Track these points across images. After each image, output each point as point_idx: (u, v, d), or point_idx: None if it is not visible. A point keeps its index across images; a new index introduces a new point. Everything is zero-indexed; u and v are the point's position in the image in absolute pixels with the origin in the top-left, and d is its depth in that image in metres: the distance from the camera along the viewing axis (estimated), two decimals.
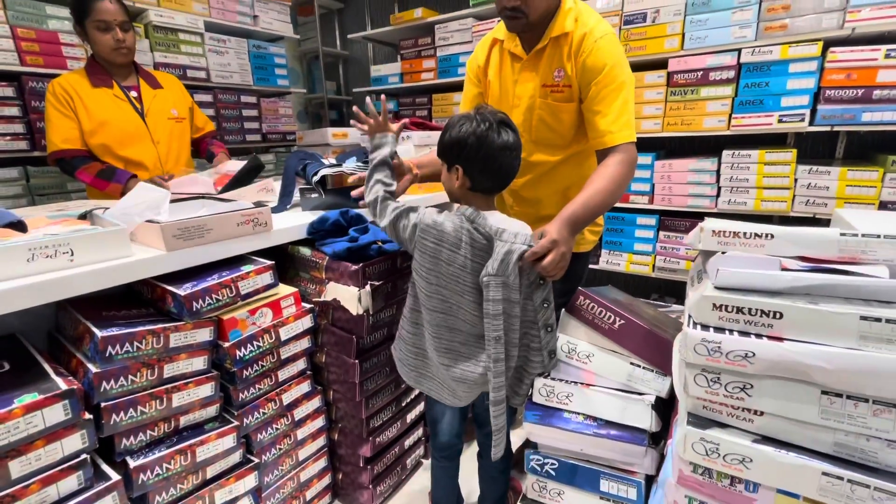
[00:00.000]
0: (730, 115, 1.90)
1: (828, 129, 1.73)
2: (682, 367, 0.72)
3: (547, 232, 0.93)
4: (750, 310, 0.64)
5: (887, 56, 1.59)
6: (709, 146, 2.13)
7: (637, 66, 2.09)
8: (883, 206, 1.70)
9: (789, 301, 0.63)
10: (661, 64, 2.01)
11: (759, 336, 0.64)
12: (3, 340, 0.96)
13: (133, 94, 1.62)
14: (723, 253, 0.74)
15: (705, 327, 0.68)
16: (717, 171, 1.98)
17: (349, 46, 3.61)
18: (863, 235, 0.66)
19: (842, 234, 0.67)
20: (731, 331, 0.66)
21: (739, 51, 1.82)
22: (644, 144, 2.25)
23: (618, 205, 2.21)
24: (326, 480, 1.37)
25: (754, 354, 0.63)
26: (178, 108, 1.73)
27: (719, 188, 1.99)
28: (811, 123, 1.77)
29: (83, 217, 1.13)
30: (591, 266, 2.37)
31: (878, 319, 0.57)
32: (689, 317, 0.72)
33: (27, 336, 0.99)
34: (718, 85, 1.90)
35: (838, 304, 0.61)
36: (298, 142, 2.43)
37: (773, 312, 0.63)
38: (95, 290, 0.88)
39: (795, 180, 1.84)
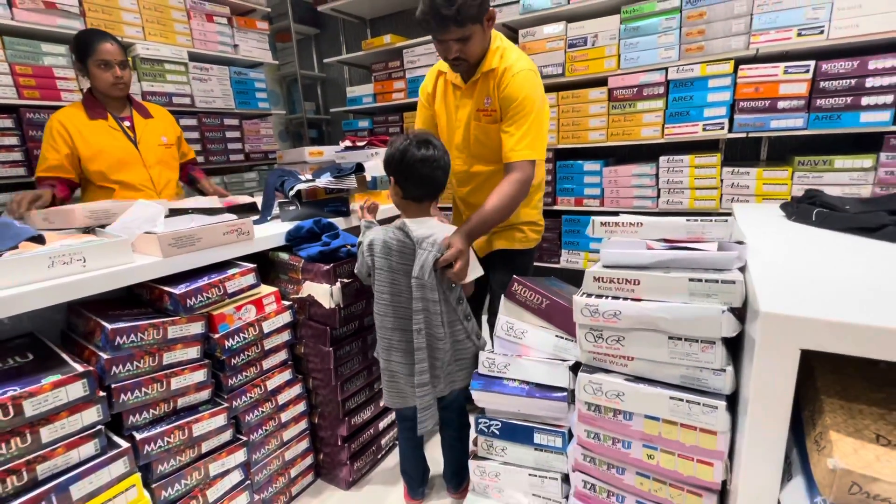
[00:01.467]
0: (663, 125, 2.15)
1: (743, 135, 1.98)
2: (577, 329, 0.92)
3: (453, 243, 1.18)
4: (618, 279, 0.85)
5: (786, 72, 1.85)
6: (648, 153, 2.37)
7: (582, 84, 2.34)
8: (793, 199, 1.94)
9: (647, 272, 0.84)
10: (602, 81, 2.26)
11: (624, 299, 0.84)
12: (24, 337, 1.12)
13: (126, 123, 1.80)
14: (608, 238, 0.95)
15: (589, 295, 0.88)
16: (657, 175, 2.22)
17: (326, 69, 3.83)
18: (700, 220, 0.87)
19: (687, 220, 0.88)
20: (605, 296, 0.86)
21: (666, 69, 2.07)
22: (592, 153, 2.50)
23: (573, 208, 2.46)
24: (309, 460, 1.53)
25: (621, 312, 0.83)
26: (168, 136, 1.91)
27: (659, 190, 2.22)
28: (730, 131, 2.02)
29: (86, 231, 1.31)
30: (553, 265, 2.58)
31: (700, 280, 0.78)
32: (581, 289, 0.92)
33: (43, 335, 1.16)
34: (651, 99, 2.14)
35: (679, 272, 0.81)
36: (279, 160, 2.61)
37: (633, 280, 0.83)
38: (103, 292, 1.06)
39: (721, 181, 2.08)
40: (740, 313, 0.78)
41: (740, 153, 2.38)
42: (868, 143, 1.90)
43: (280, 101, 3.78)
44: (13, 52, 2.00)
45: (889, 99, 1.70)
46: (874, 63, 1.69)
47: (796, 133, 1.89)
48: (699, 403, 0.78)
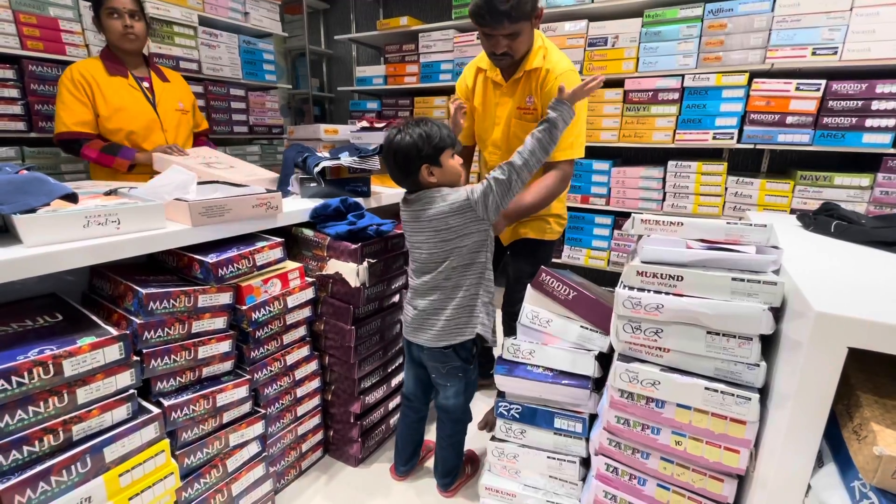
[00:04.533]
0: (674, 131, 2.21)
1: (751, 146, 2.06)
2: (615, 320, 0.96)
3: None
4: (661, 275, 0.89)
5: (797, 88, 1.92)
6: (657, 156, 2.43)
7: None
8: (793, 211, 2.03)
9: (689, 269, 0.88)
10: (618, 83, 2.30)
11: (666, 293, 0.88)
12: (47, 298, 1.09)
13: (145, 84, 1.74)
14: (648, 236, 0.99)
15: (631, 288, 0.92)
16: (664, 179, 2.28)
17: (333, 46, 3.76)
18: (740, 223, 0.92)
19: (727, 223, 0.93)
20: (648, 290, 0.90)
21: (683, 76, 2.13)
22: (602, 153, 2.55)
23: (578, 205, 2.51)
24: (319, 436, 1.54)
25: (663, 306, 0.87)
26: (184, 102, 1.86)
27: (665, 193, 2.29)
28: (738, 141, 2.09)
29: (108, 193, 1.27)
30: (555, 260, 2.64)
31: (743, 280, 0.83)
32: (622, 282, 0.96)
33: (64, 295, 1.13)
34: (666, 104, 2.20)
35: (720, 271, 0.86)
36: (289, 136, 2.56)
37: (676, 276, 0.88)
38: (136, 255, 1.04)
39: (726, 189, 2.16)
40: (776, 313, 0.83)
41: (742, 163, 2.47)
42: (864, 162, 2.00)
43: (284, 74, 3.69)
44: (17, 0, 1.90)
45: (892, 122, 1.79)
46: (881, 87, 1.78)
47: (801, 148, 1.97)
48: (733, 395, 0.83)
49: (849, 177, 1.92)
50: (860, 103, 1.83)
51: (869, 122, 1.83)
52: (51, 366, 0.84)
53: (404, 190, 1.27)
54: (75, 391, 0.88)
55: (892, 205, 1.85)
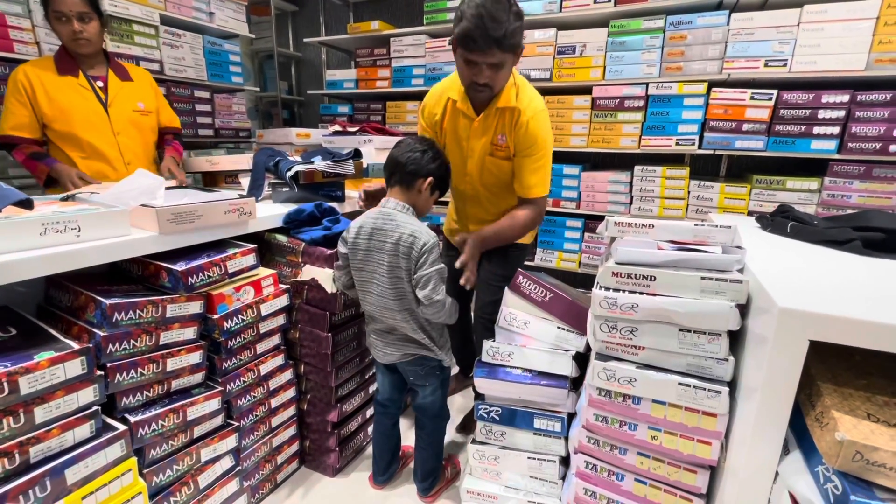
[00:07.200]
0: (640, 137, 2.29)
1: (711, 152, 2.16)
2: (592, 320, 0.99)
3: (466, 250, 1.33)
4: (635, 275, 0.92)
5: (752, 98, 2.04)
6: (624, 161, 2.52)
7: (568, 91, 2.44)
8: (750, 213, 2.15)
9: (661, 269, 0.91)
10: (587, 90, 2.36)
11: (641, 293, 0.91)
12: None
13: (99, 84, 1.65)
14: (621, 237, 1.02)
15: (607, 289, 0.95)
16: (630, 183, 2.36)
17: (302, 48, 3.70)
18: (707, 225, 0.96)
19: (695, 225, 0.97)
20: (623, 290, 0.93)
21: (647, 84, 2.21)
22: (572, 158, 2.61)
23: (550, 209, 2.56)
24: (295, 447, 1.50)
25: (637, 305, 0.91)
26: (146, 102, 1.78)
27: (632, 197, 2.37)
28: (699, 147, 2.19)
29: (65, 200, 1.20)
30: (528, 263, 2.68)
31: (711, 279, 0.87)
32: (597, 282, 0.98)
33: (17, 308, 1.05)
34: (631, 111, 2.28)
35: (690, 271, 0.90)
36: (258, 139, 2.50)
37: (650, 276, 0.91)
38: (99, 264, 0.99)
39: (689, 192, 2.26)
40: (741, 309, 0.87)
41: (702, 168, 2.59)
42: (813, 167, 2.14)
43: (251, 76, 3.60)
44: None
45: (836, 130, 1.92)
46: (826, 97, 1.91)
47: (756, 154, 2.09)
48: (704, 389, 0.87)
49: (800, 181, 2.05)
50: (808, 112, 1.95)
51: (816, 130, 1.96)
52: (5, 384, 0.78)
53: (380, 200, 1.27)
54: (32, 410, 0.83)
55: (838, 206, 1.99)
